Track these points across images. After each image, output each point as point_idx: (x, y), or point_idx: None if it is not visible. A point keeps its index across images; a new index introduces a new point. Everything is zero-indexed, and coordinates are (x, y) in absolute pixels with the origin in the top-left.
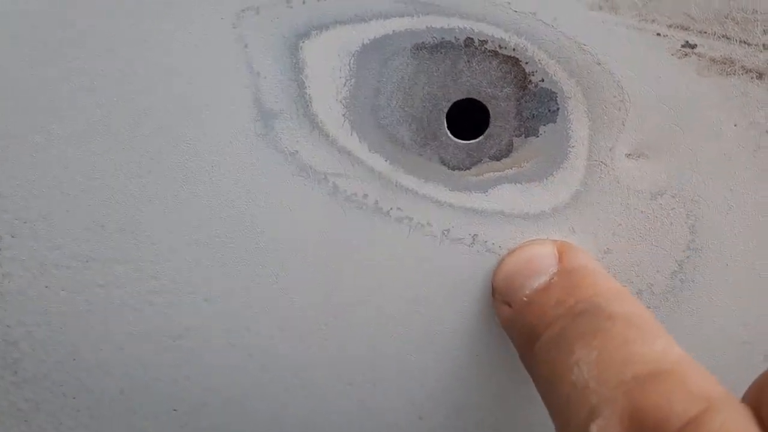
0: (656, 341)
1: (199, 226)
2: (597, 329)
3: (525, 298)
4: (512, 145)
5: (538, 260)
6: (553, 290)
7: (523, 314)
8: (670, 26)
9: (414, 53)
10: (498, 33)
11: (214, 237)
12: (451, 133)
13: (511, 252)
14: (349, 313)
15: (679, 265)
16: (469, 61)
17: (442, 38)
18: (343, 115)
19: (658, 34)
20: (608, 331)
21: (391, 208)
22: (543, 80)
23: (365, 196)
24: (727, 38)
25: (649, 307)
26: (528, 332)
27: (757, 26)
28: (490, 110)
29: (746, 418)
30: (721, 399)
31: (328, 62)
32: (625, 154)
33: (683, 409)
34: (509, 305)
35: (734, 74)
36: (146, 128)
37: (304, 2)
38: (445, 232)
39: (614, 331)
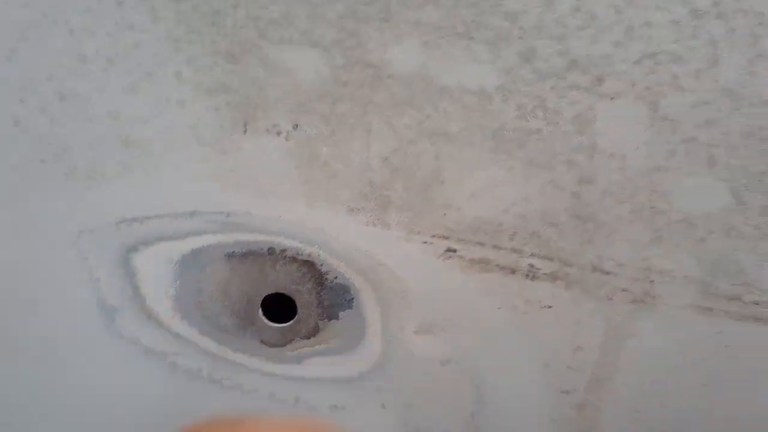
0: None
1: (56, 415)
2: None
3: None
4: (318, 326)
5: None
6: None
7: None
8: (434, 236)
9: (227, 260)
10: (294, 244)
11: (68, 418)
12: (271, 315)
13: None
14: None
15: (471, 416)
16: (273, 265)
17: (249, 249)
18: (173, 308)
19: (425, 242)
20: None
21: (223, 378)
22: (336, 278)
23: (200, 369)
24: (482, 244)
25: None
26: None
27: (503, 235)
28: (296, 301)
29: None
30: None
31: (155, 269)
32: (414, 331)
33: None
34: None
35: (492, 271)
36: None
37: (129, 225)
38: (272, 396)
39: None
